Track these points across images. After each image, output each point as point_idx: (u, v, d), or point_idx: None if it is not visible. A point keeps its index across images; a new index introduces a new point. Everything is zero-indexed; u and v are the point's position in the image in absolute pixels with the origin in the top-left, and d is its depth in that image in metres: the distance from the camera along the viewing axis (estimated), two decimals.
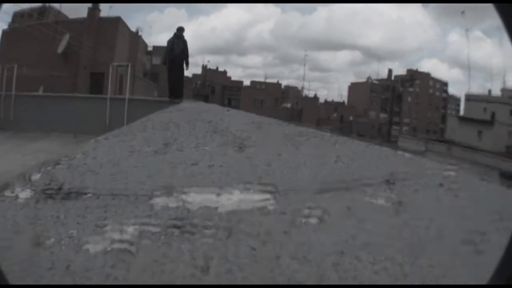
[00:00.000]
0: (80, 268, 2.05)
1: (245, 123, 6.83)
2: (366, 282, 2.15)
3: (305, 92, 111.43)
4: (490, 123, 64.51)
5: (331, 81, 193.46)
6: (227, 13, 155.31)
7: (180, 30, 19.21)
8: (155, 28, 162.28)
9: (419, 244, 2.34)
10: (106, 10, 62.30)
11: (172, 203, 2.46)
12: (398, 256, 2.23)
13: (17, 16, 43.48)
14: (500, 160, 50.49)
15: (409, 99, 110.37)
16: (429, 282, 2.21)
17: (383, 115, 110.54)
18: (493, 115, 65.39)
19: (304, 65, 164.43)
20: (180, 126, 6.51)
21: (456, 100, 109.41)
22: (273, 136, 5.54)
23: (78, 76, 36.73)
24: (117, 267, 2.08)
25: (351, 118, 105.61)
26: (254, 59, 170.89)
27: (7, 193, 2.64)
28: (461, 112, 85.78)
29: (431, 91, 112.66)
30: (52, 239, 2.08)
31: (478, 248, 2.35)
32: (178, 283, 2.09)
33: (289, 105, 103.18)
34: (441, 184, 3.11)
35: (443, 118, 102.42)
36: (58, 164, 3.38)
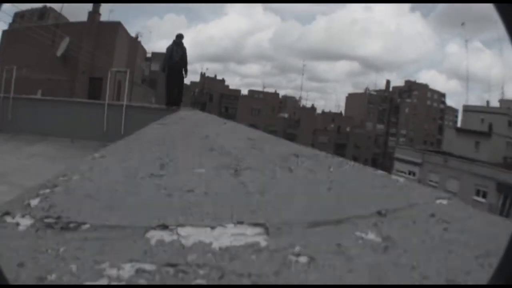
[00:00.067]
0: None
1: (241, 140, 6.92)
2: None
3: (303, 102, 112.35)
4: (487, 134, 64.80)
5: (329, 91, 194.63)
6: (226, 21, 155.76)
7: (179, 37, 19.39)
8: (154, 34, 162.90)
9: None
10: (106, 14, 62.51)
11: (167, 237, 2.50)
12: None
13: (17, 17, 43.58)
14: (498, 171, 50.80)
15: (407, 110, 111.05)
16: None
17: (380, 126, 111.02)
18: (490, 126, 65.76)
19: (302, 75, 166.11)
20: (176, 142, 6.57)
21: (454, 111, 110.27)
22: (268, 156, 5.60)
23: (76, 80, 36.95)
24: None
25: (348, 129, 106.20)
26: (252, 68, 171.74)
27: (8, 219, 2.69)
28: (459, 124, 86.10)
29: (428, 102, 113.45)
30: (54, 275, 2.13)
31: None
32: None
33: (286, 115, 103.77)
34: (432, 215, 3.14)
35: (440, 129, 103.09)
36: (56, 186, 3.43)
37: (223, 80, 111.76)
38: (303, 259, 2.37)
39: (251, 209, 3.09)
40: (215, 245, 2.45)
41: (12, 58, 28.46)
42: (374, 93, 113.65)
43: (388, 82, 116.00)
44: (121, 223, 2.67)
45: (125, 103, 21.64)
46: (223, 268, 2.25)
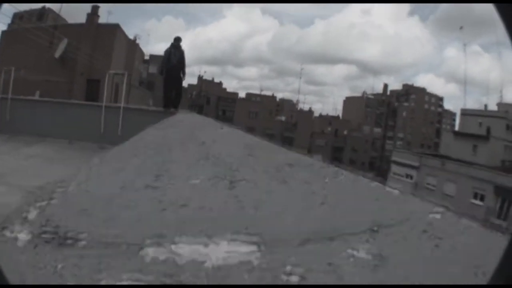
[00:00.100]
0: None
1: (237, 147, 6.85)
2: None
3: (300, 106, 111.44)
4: (485, 137, 64.43)
5: (326, 95, 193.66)
6: (225, 24, 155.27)
7: (177, 40, 19.23)
8: (152, 36, 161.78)
9: None
10: (104, 16, 62.27)
11: (161, 255, 2.54)
12: None
13: (16, 18, 43.44)
14: (495, 174, 50.53)
15: (404, 113, 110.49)
16: None
17: (377, 130, 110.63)
18: (488, 129, 65.37)
19: (300, 78, 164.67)
20: (172, 149, 6.51)
21: (452, 115, 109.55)
22: (263, 166, 5.55)
23: (74, 82, 36.68)
24: None
25: (345, 132, 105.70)
26: (250, 71, 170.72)
27: (7, 233, 2.74)
28: (457, 127, 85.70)
29: (426, 106, 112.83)
30: None
31: None
32: None
33: (283, 118, 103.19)
34: (424, 231, 3.14)
35: (438, 133, 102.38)
36: (52, 198, 3.46)
37: (220, 83, 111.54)
38: (294, 278, 2.41)
39: (244, 225, 3.11)
40: (208, 264, 2.48)
41: (10, 59, 28.37)
42: (372, 96, 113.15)
43: (385, 85, 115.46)
44: (117, 239, 2.70)
45: (122, 105, 21.57)
46: None
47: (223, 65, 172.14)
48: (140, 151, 6.58)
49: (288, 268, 2.48)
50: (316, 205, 3.80)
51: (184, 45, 19.37)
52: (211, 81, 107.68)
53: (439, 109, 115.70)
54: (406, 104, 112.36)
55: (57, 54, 36.66)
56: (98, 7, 41.44)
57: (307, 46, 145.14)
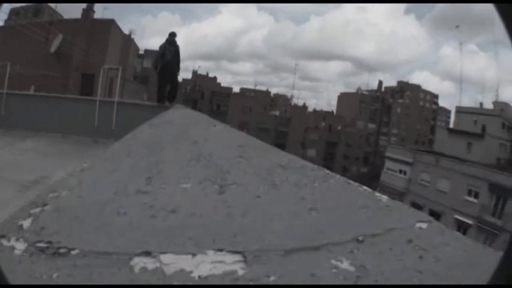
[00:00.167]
0: None
1: (229, 147, 6.91)
2: None
3: (294, 101, 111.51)
4: (480, 135, 64.48)
5: (321, 90, 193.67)
6: (220, 20, 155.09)
7: (172, 35, 19.34)
8: (148, 31, 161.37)
9: None
10: (100, 11, 62.15)
11: (150, 265, 2.59)
12: None
13: (12, 13, 43.39)
14: (490, 172, 50.61)
15: (399, 110, 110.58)
16: None
17: (371, 126, 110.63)
18: (483, 127, 65.43)
19: (295, 74, 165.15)
20: (165, 149, 6.54)
21: (447, 112, 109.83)
22: (254, 168, 5.58)
23: (69, 77, 36.75)
24: None
25: (339, 127, 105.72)
26: (244, 66, 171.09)
27: (5, 242, 2.80)
28: (451, 125, 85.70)
29: (421, 103, 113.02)
30: None
31: None
32: None
33: (277, 113, 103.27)
34: (409, 241, 3.17)
35: (432, 130, 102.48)
36: (46, 204, 3.51)
37: (215, 78, 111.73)
38: None
39: (232, 233, 3.16)
40: (195, 274, 2.54)
41: (6, 54, 28.46)
42: (366, 93, 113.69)
43: (380, 82, 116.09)
44: (108, 248, 2.77)
45: (116, 99, 21.64)
46: None
47: (218, 60, 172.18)
48: (133, 150, 6.63)
49: (272, 278, 2.52)
50: (305, 212, 3.83)
51: (179, 40, 19.40)
52: (206, 76, 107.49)
53: (434, 106, 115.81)
54: (400, 100, 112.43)
55: (52, 49, 36.70)
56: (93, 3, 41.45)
57: (302, 42, 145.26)
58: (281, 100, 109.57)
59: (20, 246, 2.76)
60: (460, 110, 78.22)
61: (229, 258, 2.77)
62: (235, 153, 6.45)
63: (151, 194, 4.12)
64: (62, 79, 34.51)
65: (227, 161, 5.93)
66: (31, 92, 25.26)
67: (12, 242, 2.80)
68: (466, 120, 71.52)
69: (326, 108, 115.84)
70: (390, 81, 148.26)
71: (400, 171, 67.81)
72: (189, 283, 2.49)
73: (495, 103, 76.04)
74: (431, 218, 3.80)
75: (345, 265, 2.77)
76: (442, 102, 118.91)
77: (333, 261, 2.81)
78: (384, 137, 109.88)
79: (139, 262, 2.64)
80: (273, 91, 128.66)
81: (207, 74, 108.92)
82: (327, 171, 5.71)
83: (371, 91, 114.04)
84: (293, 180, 5.02)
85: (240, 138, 8.47)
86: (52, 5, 46.88)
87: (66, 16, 44.70)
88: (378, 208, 4.03)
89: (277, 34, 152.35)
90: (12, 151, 15.06)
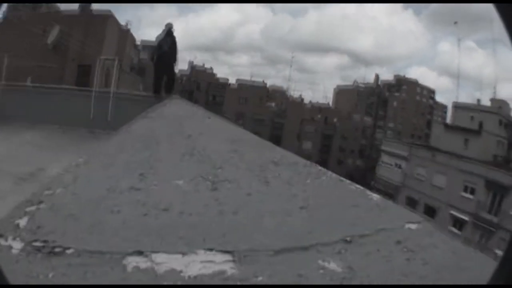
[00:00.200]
0: None
1: (222, 141, 7.00)
2: None
3: (290, 93, 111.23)
4: (477, 132, 64.36)
5: (317, 83, 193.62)
6: (217, 12, 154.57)
7: (169, 27, 19.30)
8: (144, 22, 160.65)
9: None
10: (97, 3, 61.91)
11: (142, 264, 2.64)
12: None
13: (10, 6, 43.35)
14: (487, 169, 50.58)
15: (395, 104, 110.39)
16: None
17: (367, 119, 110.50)
18: (480, 124, 65.31)
19: (291, 66, 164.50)
20: (159, 143, 6.60)
21: (443, 107, 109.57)
22: (247, 163, 5.66)
23: (66, 68, 36.68)
24: None
25: (335, 120, 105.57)
26: (241, 58, 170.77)
27: (2, 241, 2.84)
28: (448, 120, 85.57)
29: (418, 98, 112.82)
30: None
31: None
32: None
33: (273, 105, 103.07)
34: (398, 242, 3.20)
35: (429, 124, 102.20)
36: (41, 202, 3.56)
37: (211, 69, 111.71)
38: None
39: (222, 232, 3.20)
40: (185, 273, 2.59)
41: (4, 46, 28.45)
42: (363, 86, 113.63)
43: (377, 76, 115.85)
44: (101, 247, 2.82)
45: (112, 90, 21.63)
46: None
47: (214, 51, 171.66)
48: (127, 145, 6.64)
49: (260, 279, 2.57)
50: (296, 210, 3.87)
51: (176, 32, 19.42)
52: (202, 67, 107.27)
53: (431, 102, 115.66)
54: (397, 94, 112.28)
55: (49, 40, 36.64)
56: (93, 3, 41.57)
57: (300, 35, 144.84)
58: (278, 92, 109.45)
59: (17, 245, 2.81)
60: (457, 106, 78.15)
61: (219, 257, 2.81)
62: (228, 148, 6.51)
63: (144, 191, 4.17)
64: (59, 70, 34.47)
65: (220, 156, 5.97)
66: (28, 83, 25.21)
67: (10, 241, 2.85)
68: (463, 116, 71.41)
69: (322, 101, 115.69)
70: (387, 75, 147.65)
71: (396, 165, 67.81)
72: (179, 283, 2.53)
73: (493, 100, 75.90)
74: (421, 219, 3.81)
75: (332, 265, 2.81)
76: (439, 98, 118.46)
77: (320, 262, 2.85)
78: (380, 131, 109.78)
79: (131, 262, 2.68)
80: (270, 83, 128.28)
81: (204, 65, 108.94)
82: (319, 167, 5.75)
83: (368, 84, 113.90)
84: (285, 177, 5.07)
85: (233, 132, 8.52)
86: None
87: (63, 8, 44.68)
88: (369, 207, 4.07)
89: (275, 27, 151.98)
90: (9, 144, 15.07)
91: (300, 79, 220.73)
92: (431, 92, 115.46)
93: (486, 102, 76.65)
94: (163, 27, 20.18)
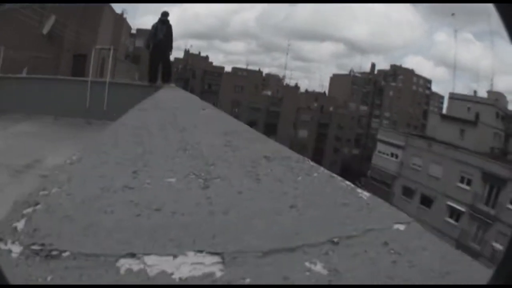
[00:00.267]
0: None
1: (216, 134, 7.09)
2: None
3: (286, 81, 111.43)
4: (473, 123, 64.42)
5: (313, 71, 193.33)
6: None
7: (165, 15, 19.47)
8: (140, 10, 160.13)
9: None
10: None
11: (135, 266, 2.71)
12: None
13: None
14: (484, 161, 50.69)
15: (391, 93, 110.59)
16: None
17: (363, 108, 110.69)
18: (477, 115, 65.41)
19: (287, 54, 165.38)
20: (153, 137, 6.73)
21: (440, 98, 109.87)
22: (239, 158, 5.74)
23: (61, 58, 36.63)
24: None
25: (331, 108, 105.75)
26: (237, 46, 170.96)
27: (2, 245, 2.91)
28: (444, 110, 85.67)
29: (414, 87, 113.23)
30: None
31: None
32: None
33: (269, 93, 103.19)
34: (385, 243, 3.23)
35: (425, 114, 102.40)
36: (37, 203, 3.62)
37: (207, 57, 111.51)
38: None
39: (212, 233, 3.28)
40: (176, 276, 2.67)
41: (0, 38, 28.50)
42: (359, 75, 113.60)
43: (373, 64, 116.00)
44: (95, 250, 2.89)
45: (107, 80, 21.65)
46: None
47: (210, 39, 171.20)
48: (121, 140, 6.69)
49: (247, 280, 2.64)
50: (286, 209, 3.93)
51: (171, 19, 19.48)
52: (198, 55, 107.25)
53: (427, 91, 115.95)
54: (393, 84, 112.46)
55: (44, 31, 36.58)
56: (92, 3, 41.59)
57: (296, 23, 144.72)
58: (273, 80, 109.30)
59: (16, 249, 2.88)
60: (453, 97, 78.13)
61: (209, 259, 2.88)
62: (221, 142, 6.56)
63: (137, 190, 4.23)
64: (54, 61, 34.41)
65: (213, 151, 6.05)
66: (23, 74, 25.19)
67: (9, 245, 2.92)
68: (459, 107, 71.37)
69: (318, 89, 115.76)
70: (383, 64, 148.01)
71: (392, 155, 67.90)
72: (170, 284, 2.62)
73: (490, 92, 75.88)
74: (410, 219, 3.80)
75: (318, 268, 2.86)
76: (435, 88, 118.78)
77: (307, 264, 2.90)
78: (376, 120, 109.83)
79: (124, 264, 2.76)
80: (265, 71, 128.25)
81: (199, 53, 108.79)
82: (311, 163, 5.78)
83: (364, 73, 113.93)
84: (277, 173, 5.13)
85: (227, 124, 8.53)
86: None
87: None
88: (358, 206, 4.10)
89: (271, 14, 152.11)
90: (5, 135, 15.10)
91: (296, 67, 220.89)
92: (427, 82, 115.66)
93: (482, 94, 76.71)
94: (159, 15, 20.26)
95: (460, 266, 2.99)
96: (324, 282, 2.72)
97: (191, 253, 2.93)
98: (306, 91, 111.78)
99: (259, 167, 5.34)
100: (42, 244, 2.93)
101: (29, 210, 3.50)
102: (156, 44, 19.96)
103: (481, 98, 72.15)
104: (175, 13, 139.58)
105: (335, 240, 3.27)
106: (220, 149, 6.23)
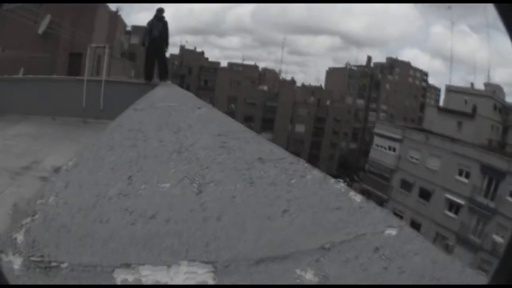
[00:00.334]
0: None
1: (211, 135, 7.04)
2: None
3: (282, 76, 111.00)
4: (470, 115, 64.22)
5: (309, 65, 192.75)
6: None
7: (160, 11, 19.37)
8: (135, 7, 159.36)
9: None
10: None
11: (130, 277, 2.77)
12: None
13: None
14: (482, 153, 50.54)
15: (388, 86, 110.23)
16: None
17: (360, 101, 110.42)
18: (474, 107, 65.22)
19: (282, 48, 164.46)
20: (148, 140, 6.63)
21: (436, 90, 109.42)
22: (234, 161, 5.71)
23: (57, 57, 36.52)
24: None
25: (328, 102, 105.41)
26: (232, 41, 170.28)
27: (4, 257, 2.97)
28: (441, 103, 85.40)
29: (410, 80, 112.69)
30: None
31: None
32: None
33: (265, 88, 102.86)
34: (376, 249, 3.26)
35: (422, 107, 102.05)
36: (35, 213, 3.66)
37: (202, 53, 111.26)
38: None
39: (205, 241, 3.33)
40: (170, 285, 2.73)
41: None
42: (355, 68, 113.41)
43: (369, 58, 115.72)
44: (92, 260, 2.95)
45: (103, 78, 21.64)
46: None
47: (205, 34, 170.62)
48: (116, 142, 6.64)
49: None
50: (278, 214, 3.95)
51: (166, 15, 19.41)
52: (193, 51, 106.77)
53: (424, 84, 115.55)
54: (390, 77, 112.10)
55: (40, 30, 36.48)
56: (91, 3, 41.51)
57: (291, 17, 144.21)
58: (269, 75, 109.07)
59: (17, 261, 2.94)
60: (450, 89, 77.98)
61: (201, 269, 2.93)
62: (216, 144, 6.53)
63: (132, 196, 4.25)
64: (50, 60, 34.36)
65: (207, 154, 6.03)
66: (20, 75, 25.15)
67: (10, 257, 2.98)
68: (456, 99, 71.22)
69: (314, 83, 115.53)
70: (379, 57, 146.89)
71: (389, 148, 67.76)
72: None
73: (487, 84, 75.74)
74: (402, 223, 3.85)
75: (309, 275, 2.92)
76: (432, 80, 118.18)
77: (298, 271, 2.96)
78: (373, 113, 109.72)
79: (120, 274, 2.81)
80: (261, 65, 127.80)
81: (195, 48, 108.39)
82: (306, 164, 5.74)
83: (360, 66, 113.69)
84: (270, 176, 5.11)
85: (222, 124, 8.50)
86: None
87: None
88: (351, 210, 4.11)
89: (265, 8, 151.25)
90: (2, 137, 15.09)
91: (292, 61, 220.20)
92: (424, 75, 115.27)
93: (479, 86, 76.53)
94: (154, 12, 20.20)
95: (450, 272, 3.04)
96: None
97: (184, 262, 2.98)
98: (303, 85, 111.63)
99: (253, 169, 5.32)
100: (41, 256, 2.98)
101: (28, 220, 3.53)
102: (152, 41, 19.90)
103: (478, 90, 72.02)
104: (170, 9, 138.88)
105: (327, 246, 3.30)
106: (214, 151, 6.18)
